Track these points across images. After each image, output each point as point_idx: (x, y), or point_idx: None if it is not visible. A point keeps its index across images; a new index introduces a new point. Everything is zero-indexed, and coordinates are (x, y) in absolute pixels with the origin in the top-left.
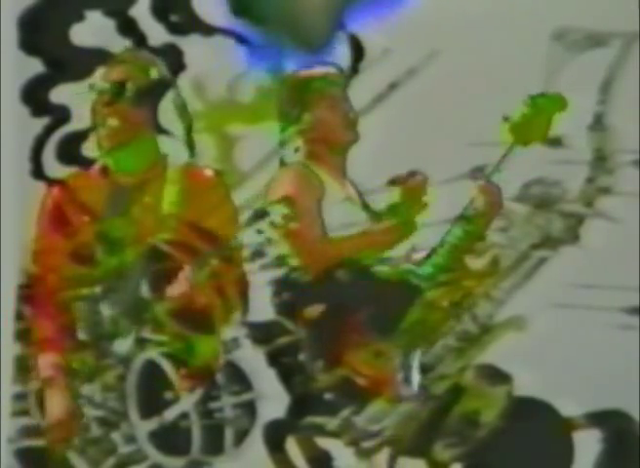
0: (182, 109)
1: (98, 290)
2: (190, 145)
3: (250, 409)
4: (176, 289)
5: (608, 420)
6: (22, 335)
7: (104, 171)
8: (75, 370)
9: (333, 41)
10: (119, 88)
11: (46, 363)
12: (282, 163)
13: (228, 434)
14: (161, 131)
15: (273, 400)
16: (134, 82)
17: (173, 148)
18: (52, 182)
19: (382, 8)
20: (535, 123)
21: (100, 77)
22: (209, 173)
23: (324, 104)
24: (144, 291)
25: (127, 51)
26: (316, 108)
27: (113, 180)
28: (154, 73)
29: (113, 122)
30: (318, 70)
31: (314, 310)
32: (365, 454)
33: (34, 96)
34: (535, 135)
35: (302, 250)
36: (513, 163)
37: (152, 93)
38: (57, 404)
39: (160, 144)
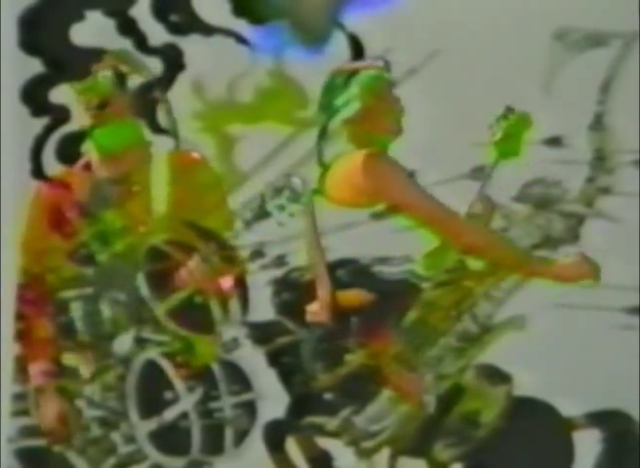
0: (170, 115)
1: (96, 289)
2: (176, 137)
3: (250, 409)
4: (181, 281)
5: (608, 420)
6: (22, 335)
7: (87, 166)
8: (75, 370)
9: (332, 36)
10: (112, 76)
11: (36, 371)
12: (320, 155)
13: (228, 434)
14: (159, 130)
15: (273, 400)
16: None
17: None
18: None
19: (378, 3)
20: (513, 139)
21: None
22: (195, 155)
23: (371, 95)
24: (144, 291)
25: (118, 50)
26: (363, 98)
27: (96, 173)
28: (143, 74)
29: (99, 104)
30: (366, 63)
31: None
32: (365, 454)
33: (34, 96)
34: (513, 150)
35: None
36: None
37: (141, 89)
38: (50, 409)
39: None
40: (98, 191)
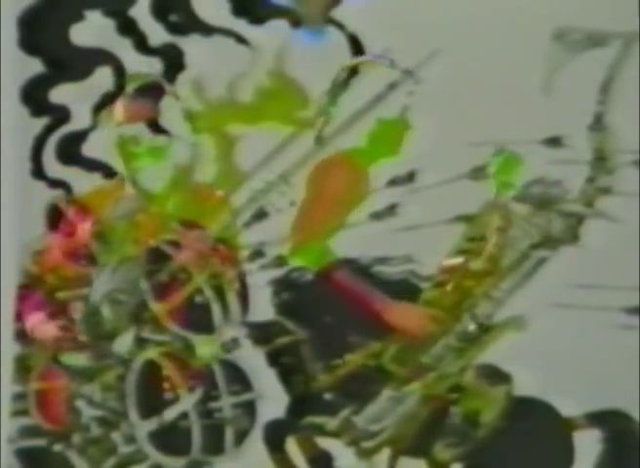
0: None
1: (96, 289)
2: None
3: (250, 409)
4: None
5: (608, 420)
6: (22, 335)
7: (121, 182)
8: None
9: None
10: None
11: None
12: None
13: (228, 434)
14: (160, 130)
15: (273, 400)
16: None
17: (174, 149)
18: (52, 183)
19: None
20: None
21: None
22: (220, 193)
23: (385, 144)
24: (144, 290)
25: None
26: (375, 143)
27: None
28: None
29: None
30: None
31: None
32: (365, 454)
33: (34, 96)
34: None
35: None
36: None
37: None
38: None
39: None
40: (124, 204)
